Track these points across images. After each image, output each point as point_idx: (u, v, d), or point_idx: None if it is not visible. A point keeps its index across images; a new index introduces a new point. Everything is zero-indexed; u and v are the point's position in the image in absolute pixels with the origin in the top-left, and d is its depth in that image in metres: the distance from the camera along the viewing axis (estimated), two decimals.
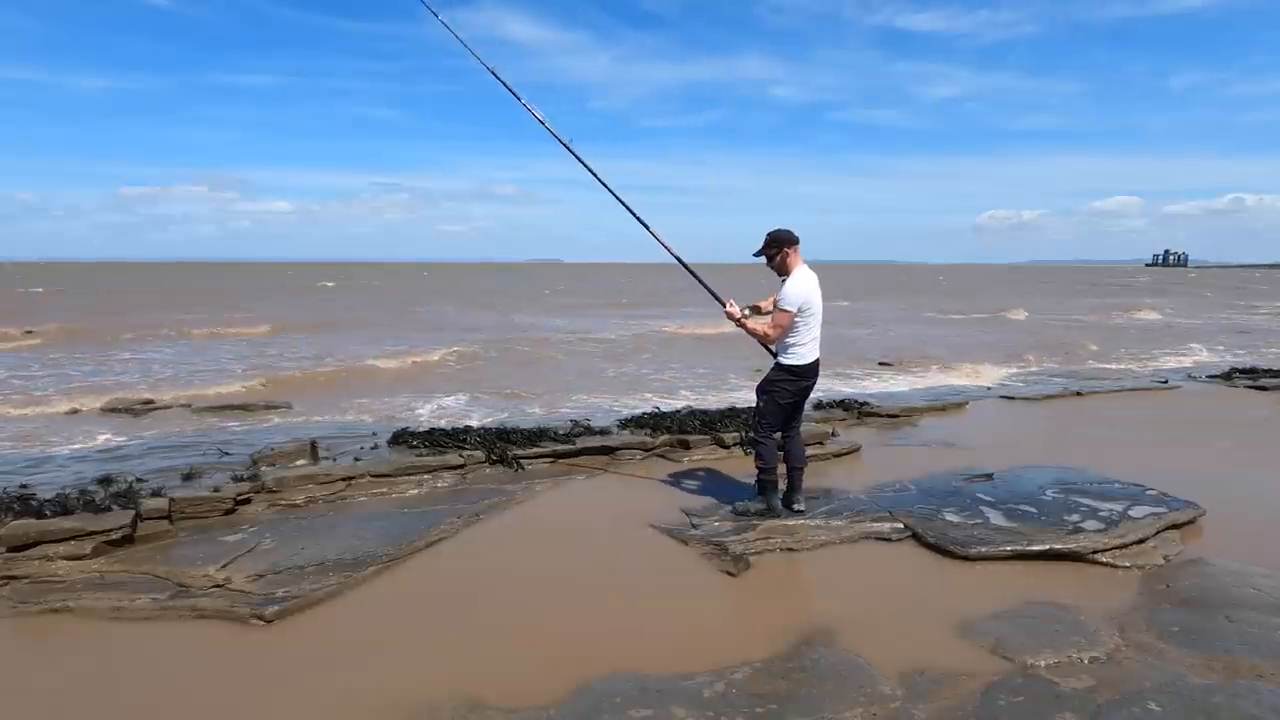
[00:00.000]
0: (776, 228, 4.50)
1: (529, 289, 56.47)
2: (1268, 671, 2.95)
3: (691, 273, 4.95)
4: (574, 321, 27.89)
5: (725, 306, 4.55)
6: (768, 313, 4.64)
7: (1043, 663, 3.02)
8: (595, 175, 4.98)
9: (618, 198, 4.98)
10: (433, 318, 29.66)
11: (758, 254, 4.53)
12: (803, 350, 4.46)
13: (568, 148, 5.05)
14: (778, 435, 4.66)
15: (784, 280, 4.50)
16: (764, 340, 4.51)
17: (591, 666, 3.00)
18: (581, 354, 18.05)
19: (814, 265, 4.58)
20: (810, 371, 4.53)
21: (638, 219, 4.94)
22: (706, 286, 4.81)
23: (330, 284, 63.31)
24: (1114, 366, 15.09)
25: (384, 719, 2.70)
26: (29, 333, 21.59)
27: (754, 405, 4.71)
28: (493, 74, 5.17)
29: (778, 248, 4.45)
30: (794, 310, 4.37)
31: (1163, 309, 35.58)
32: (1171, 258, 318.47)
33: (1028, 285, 71.76)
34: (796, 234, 4.50)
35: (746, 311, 4.61)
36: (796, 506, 4.70)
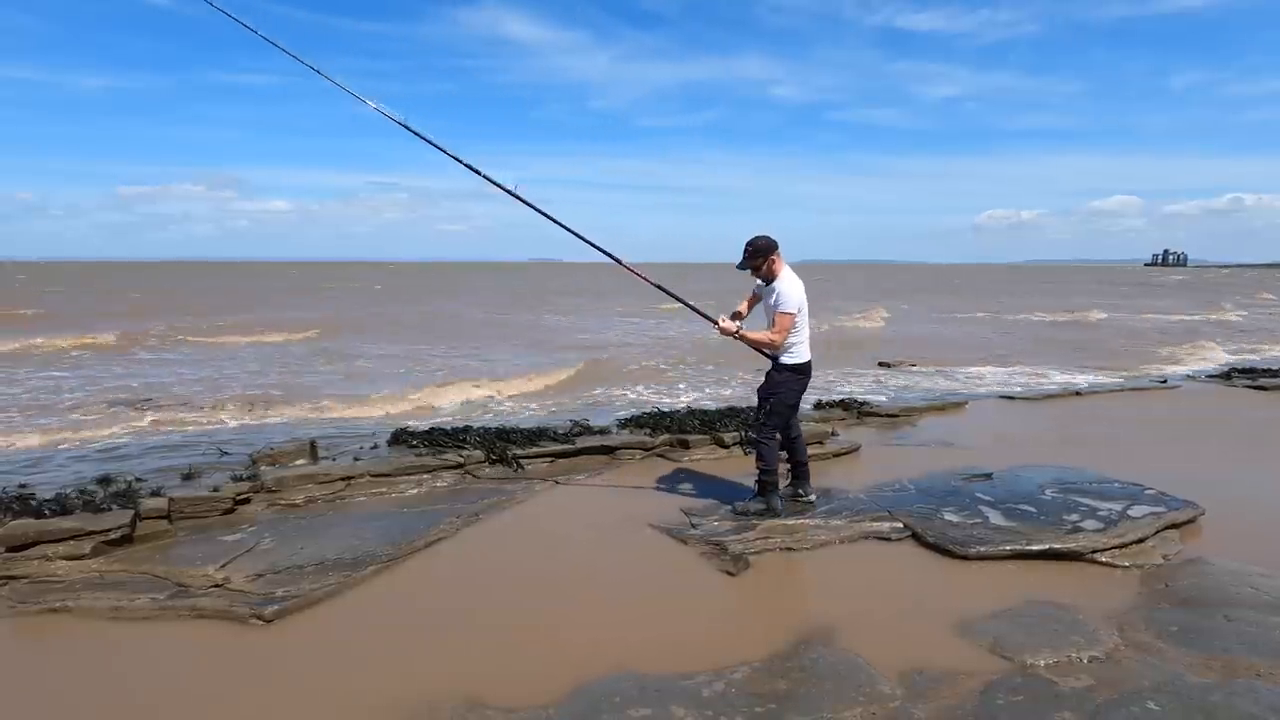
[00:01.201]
0: (755, 236, 4.50)
1: (559, 290, 52.64)
2: (1266, 670, 2.95)
3: (677, 298, 4.88)
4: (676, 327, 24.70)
5: (719, 324, 4.54)
6: (742, 316, 4.72)
7: (1042, 662, 3.03)
8: (552, 219, 4.73)
9: (583, 238, 4.79)
10: (520, 323, 25.94)
11: (742, 266, 4.53)
12: (802, 349, 4.56)
13: (514, 194, 4.63)
14: (778, 436, 4.70)
15: (771, 285, 4.53)
16: (768, 347, 4.53)
17: (590, 666, 3.00)
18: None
19: (813, 265, 4.63)
20: (809, 368, 4.63)
21: (610, 255, 4.82)
22: (694, 308, 4.77)
23: (354, 284, 61.35)
24: None
25: (383, 719, 2.70)
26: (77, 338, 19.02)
27: (758, 406, 4.72)
28: (406, 127, 4.69)
29: (763, 258, 4.47)
30: (795, 311, 4.44)
31: (1237, 310, 34.07)
32: (1170, 257, 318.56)
33: (1057, 285, 67.26)
34: (775, 239, 4.54)
35: (739, 324, 4.60)
36: (810, 497, 4.85)
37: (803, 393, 4.71)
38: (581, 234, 4.77)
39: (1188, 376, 11.21)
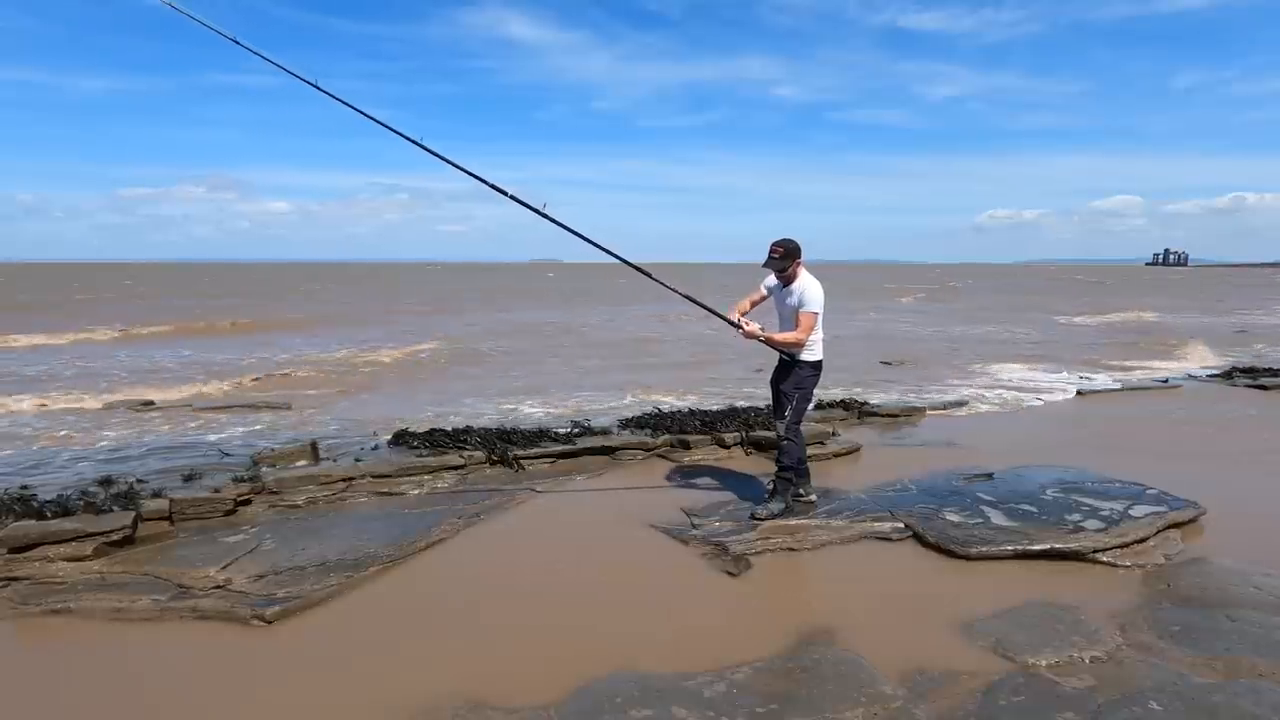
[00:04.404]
0: (785, 239, 4.55)
1: (580, 290, 49.21)
2: (1268, 670, 2.95)
3: (704, 306, 4.87)
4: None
5: (743, 328, 4.57)
6: (745, 312, 4.75)
7: (1043, 662, 3.02)
8: (585, 238, 4.72)
9: (626, 261, 4.86)
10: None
11: (771, 266, 4.57)
12: (819, 346, 4.70)
13: (544, 214, 4.60)
14: (803, 432, 4.87)
15: (791, 286, 4.61)
16: (794, 346, 4.62)
17: (592, 666, 3.00)
18: None
19: (813, 265, 4.67)
20: (822, 365, 4.79)
21: (642, 271, 4.89)
22: (720, 315, 4.78)
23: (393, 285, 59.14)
24: None
25: (384, 719, 2.70)
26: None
27: (779, 403, 4.76)
28: (424, 148, 4.55)
29: (792, 260, 4.55)
30: (820, 311, 4.57)
31: None
32: (1171, 257, 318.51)
33: (1107, 287, 60.33)
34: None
35: (761, 326, 4.63)
36: (811, 496, 4.90)
37: None
38: (615, 251, 4.76)
39: (1189, 376, 11.21)
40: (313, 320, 24.72)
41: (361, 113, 4.64)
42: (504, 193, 4.65)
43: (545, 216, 4.58)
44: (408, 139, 4.55)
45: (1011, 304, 34.51)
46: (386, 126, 4.64)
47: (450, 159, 4.61)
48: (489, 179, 4.60)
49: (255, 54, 4.60)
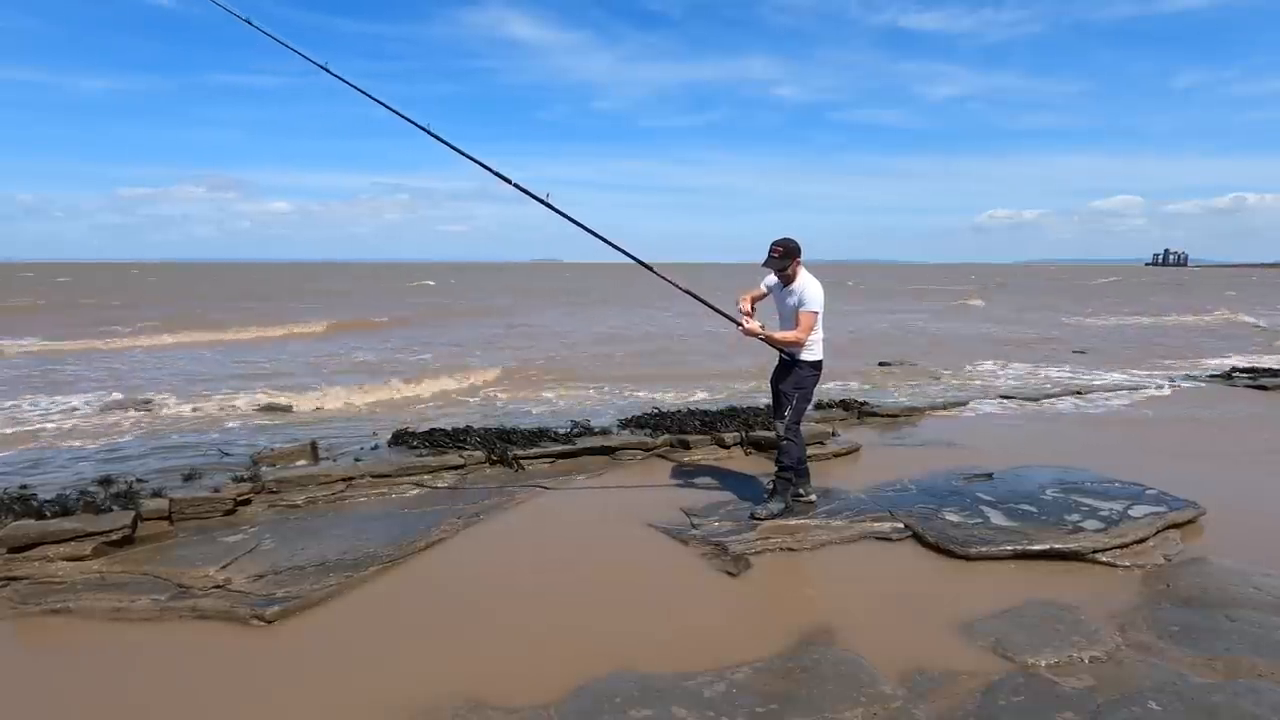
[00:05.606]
0: (785, 238, 4.55)
1: (589, 288, 49.28)
2: (1268, 670, 2.95)
3: (704, 301, 4.83)
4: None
5: (743, 325, 4.56)
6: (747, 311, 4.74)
7: (1043, 662, 3.02)
8: (586, 228, 4.74)
9: (627, 253, 4.85)
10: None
11: (771, 265, 4.56)
12: (819, 346, 4.70)
13: (546, 203, 4.65)
14: (802, 432, 4.87)
15: (791, 286, 4.61)
16: (794, 345, 4.62)
17: (591, 666, 3.00)
18: None
19: (813, 265, 4.68)
20: (822, 365, 4.78)
21: (641, 263, 4.92)
22: (721, 311, 4.77)
23: (430, 282, 59.19)
24: None
25: (384, 719, 2.70)
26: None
27: (779, 403, 4.76)
28: (437, 137, 4.64)
29: (792, 259, 4.55)
30: (820, 310, 4.57)
31: None
32: (1171, 257, 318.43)
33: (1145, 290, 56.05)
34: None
35: (762, 324, 4.63)
36: (811, 496, 4.89)
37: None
38: (616, 243, 4.77)
39: (1188, 376, 11.21)
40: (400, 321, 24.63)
41: (370, 96, 4.73)
42: (508, 180, 4.69)
43: (549, 205, 4.62)
44: (415, 124, 4.65)
45: (1074, 307, 33.76)
46: (395, 111, 4.77)
47: (457, 145, 4.69)
48: (494, 166, 4.67)
49: (268, 35, 4.74)
